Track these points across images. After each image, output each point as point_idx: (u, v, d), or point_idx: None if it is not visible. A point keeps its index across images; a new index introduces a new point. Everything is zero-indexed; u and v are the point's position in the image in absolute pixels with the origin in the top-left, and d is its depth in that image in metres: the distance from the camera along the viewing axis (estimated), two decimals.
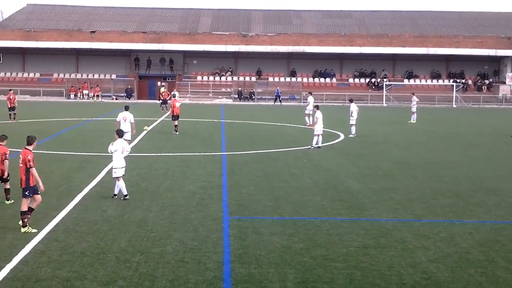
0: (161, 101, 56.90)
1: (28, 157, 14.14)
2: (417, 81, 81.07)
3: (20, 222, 13.96)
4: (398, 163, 25.32)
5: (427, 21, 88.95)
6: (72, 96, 76.29)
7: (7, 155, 16.45)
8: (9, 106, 42.59)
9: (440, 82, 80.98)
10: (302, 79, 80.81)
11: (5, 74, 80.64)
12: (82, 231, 13.95)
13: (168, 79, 78.99)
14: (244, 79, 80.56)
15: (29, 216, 13.99)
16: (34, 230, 13.76)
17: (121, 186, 17.30)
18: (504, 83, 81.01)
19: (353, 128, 35.26)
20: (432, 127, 43.32)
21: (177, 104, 36.04)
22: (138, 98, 77.17)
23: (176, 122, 35.29)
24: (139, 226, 14.45)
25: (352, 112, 35.48)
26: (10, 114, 42.49)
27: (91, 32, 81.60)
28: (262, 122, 44.80)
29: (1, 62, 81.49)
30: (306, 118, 42.22)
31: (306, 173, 22.28)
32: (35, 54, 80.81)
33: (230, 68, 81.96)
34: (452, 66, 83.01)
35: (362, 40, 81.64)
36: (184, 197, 17.81)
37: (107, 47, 78.59)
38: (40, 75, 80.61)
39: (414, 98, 48.55)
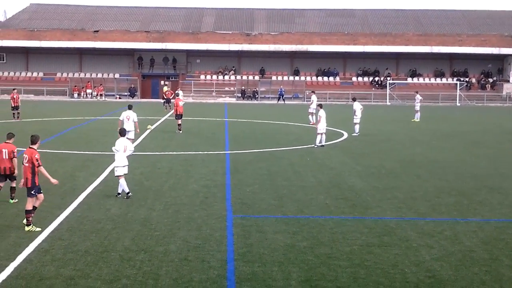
0: (164, 100, 56.90)
1: (36, 156, 14.19)
2: (421, 80, 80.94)
3: (25, 221, 13.98)
4: (402, 161, 25.29)
5: (431, 19, 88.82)
6: (75, 95, 76.36)
7: (15, 153, 16.44)
8: (13, 106, 42.65)
9: (444, 80, 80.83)
10: (305, 78, 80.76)
11: (9, 73, 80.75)
12: (86, 229, 13.96)
13: (172, 78, 79.03)
14: (248, 78, 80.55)
15: (33, 215, 14.01)
16: (38, 229, 13.78)
17: (122, 184, 17.33)
18: (508, 81, 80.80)
19: (357, 127, 35.21)
20: (436, 125, 43.26)
21: (181, 103, 36.04)
22: (142, 97, 77.22)
23: (179, 121, 35.30)
24: (143, 224, 14.46)
25: (355, 111, 35.43)
26: (14, 114, 42.54)
27: (95, 31, 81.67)
28: (265, 121, 44.79)
29: (5, 61, 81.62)
30: (310, 117, 42.20)
31: (310, 172, 22.27)
32: (39, 53, 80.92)
33: (233, 67, 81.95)
34: (456, 65, 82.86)
35: (365, 39, 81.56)
36: (187, 195, 17.81)
37: (111, 47, 78.68)
38: (44, 75, 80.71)
39: (418, 97, 48.47)
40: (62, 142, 30.12)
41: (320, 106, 31.48)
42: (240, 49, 79.91)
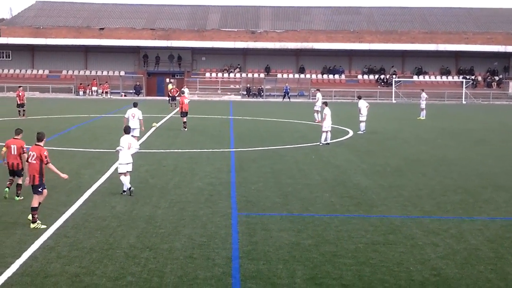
0: (169, 98, 56.94)
1: (45, 153, 14.26)
2: (427, 78, 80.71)
3: (30, 218, 14.00)
4: (407, 159, 25.24)
5: (437, 17, 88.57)
6: (81, 93, 76.46)
7: (24, 149, 16.44)
8: (19, 103, 42.73)
9: (450, 78, 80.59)
10: (310, 75, 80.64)
11: (15, 71, 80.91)
12: (91, 227, 13.99)
13: (177, 76, 79.05)
14: (253, 75, 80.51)
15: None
16: (44, 226, 13.80)
17: (124, 181, 17.38)
18: None
19: (362, 125, 35.16)
20: (442, 123, 43.16)
21: (186, 101, 36.07)
22: (147, 95, 77.25)
23: (184, 119, 35.32)
24: (148, 222, 14.47)
25: (360, 109, 35.37)
26: (19, 111, 42.62)
27: (100, 29, 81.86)
28: (270, 118, 44.77)
29: (11, 59, 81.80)
30: (315, 114, 42.13)
31: (315, 170, 22.25)
32: (44, 51, 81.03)
33: (238, 64, 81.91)
34: (462, 63, 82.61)
35: (371, 37, 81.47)
36: (192, 193, 17.82)
37: (116, 44, 78.77)
38: (49, 72, 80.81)
39: (423, 95, 48.37)
40: (67, 140, 30.16)
41: (325, 104, 31.44)
42: (246, 47, 79.88)
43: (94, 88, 77.00)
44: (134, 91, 76.41)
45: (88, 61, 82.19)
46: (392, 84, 75.92)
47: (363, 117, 35.20)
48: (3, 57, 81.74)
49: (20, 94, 42.92)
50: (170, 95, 56.64)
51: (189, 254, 12.15)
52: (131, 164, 17.71)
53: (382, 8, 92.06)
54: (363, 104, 35.53)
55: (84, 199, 16.76)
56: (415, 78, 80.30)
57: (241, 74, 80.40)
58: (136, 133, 27.25)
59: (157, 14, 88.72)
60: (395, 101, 73.69)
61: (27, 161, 14.41)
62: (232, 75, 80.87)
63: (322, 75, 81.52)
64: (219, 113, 49.67)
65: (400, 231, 14.11)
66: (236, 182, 19.67)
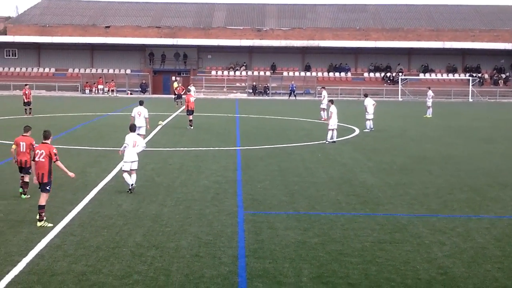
0: (175, 96, 56.98)
1: (54, 151, 14.33)
2: (433, 75, 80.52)
3: (37, 216, 14.02)
4: (414, 157, 25.19)
5: (443, 15, 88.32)
6: (87, 91, 76.58)
7: (33, 146, 16.47)
8: (25, 101, 42.83)
9: (456, 76, 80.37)
10: (316, 73, 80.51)
11: (21, 69, 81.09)
12: (97, 225, 14.00)
13: (183, 74, 79.06)
14: (259, 73, 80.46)
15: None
16: (50, 225, 13.82)
17: (126, 179, 17.43)
18: None
19: (368, 123, 35.09)
20: (448, 121, 43.07)
21: (192, 99, 36.08)
22: (153, 93, 77.31)
23: (190, 117, 35.32)
24: (154, 220, 14.48)
25: (366, 107, 35.30)
26: (25, 109, 42.73)
27: (106, 27, 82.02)
28: (276, 116, 44.74)
29: (17, 57, 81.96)
30: (322, 112, 42.01)
31: (321, 168, 22.23)
32: (50, 49, 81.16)
33: (244, 62, 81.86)
34: (468, 60, 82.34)
35: (377, 34, 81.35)
36: (198, 191, 17.82)
37: (122, 42, 78.85)
38: (55, 70, 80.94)
39: (430, 93, 48.24)
40: (73, 138, 30.22)
41: (331, 101, 31.40)
42: (251, 45, 79.86)
43: (100, 86, 77.08)
44: (140, 89, 76.48)
45: (94, 59, 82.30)
46: (398, 82, 75.73)
47: (369, 115, 35.13)
48: (9, 55, 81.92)
49: (27, 92, 43.01)
50: (176, 93, 56.68)
51: (196, 252, 12.15)
52: (136, 162, 17.71)
53: (388, 5, 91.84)
54: (369, 102, 35.46)
55: (91, 198, 16.79)
56: (421, 76, 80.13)
57: (246, 72, 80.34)
58: (142, 131, 27.26)
59: (163, 12, 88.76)
60: (401, 99, 73.53)
61: (33, 160, 14.43)
62: (238, 73, 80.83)
63: (328, 73, 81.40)
64: (225, 111, 49.68)
65: (406, 229, 14.07)
66: (242, 180, 19.66)
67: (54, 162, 14.28)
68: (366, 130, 34.68)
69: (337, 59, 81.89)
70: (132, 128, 18.33)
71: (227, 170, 21.47)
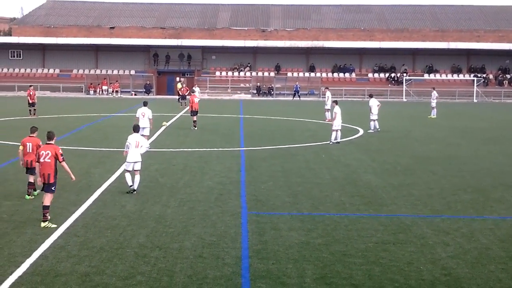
0: (179, 96, 57.04)
1: (60, 152, 14.42)
2: (438, 76, 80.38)
3: (42, 217, 14.05)
4: (418, 158, 25.15)
5: (448, 15, 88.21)
6: (91, 91, 76.70)
7: (40, 147, 16.49)
8: (30, 102, 42.90)
9: (461, 76, 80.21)
10: (321, 74, 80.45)
11: (25, 70, 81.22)
12: (101, 226, 14.01)
13: (187, 74, 79.10)
14: (263, 74, 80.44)
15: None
16: (54, 226, 13.84)
17: (127, 179, 17.47)
18: None
19: (372, 124, 35.06)
20: (453, 122, 43.00)
21: (196, 100, 36.09)
22: (157, 94, 77.36)
23: (194, 118, 35.33)
24: (158, 221, 14.49)
25: (371, 108, 35.25)
26: (30, 110, 42.79)
27: (110, 28, 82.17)
28: (280, 117, 44.72)
29: (21, 58, 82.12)
30: (326, 113, 41.88)
31: (325, 169, 22.21)
32: (55, 50, 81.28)
33: (248, 63, 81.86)
34: (473, 61, 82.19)
35: (381, 35, 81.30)
36: (202, 192, 17.83)
37: (126, 43, 78.98)
38: (60, 71, 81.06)
39: (434, 93, 48.17)
40: (77, 139, 30.26)
41: (335, 102, 31.37)
42: (256, 45, 79.84)
43: (104, 87, 77.18)
44: (144, 90, 76.53)
45: (99, 60, 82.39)
46: (403, 83, 75.61)
47: (373, 116, 35.08)
48: (14, 56, 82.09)
49: (31, 93, 43.07)
50: (180, 94, 56.72)
51: (199, 253, 12.15)
52: (139, 163, 17.71)
53: (393, 6, 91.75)
54: (374, 103, 35.41)
55: (94, 198, 16.81)
56: (426, 76, 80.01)
57: (251, 73, 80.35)
58: (146, 132, 27.30)
59: (167, 12, 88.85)
60: (405, 100, 73.42)
61: (37, 161, 14.44)
62: (242, 73, 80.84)
63: (333, 73, 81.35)
64: (229, 112, 49.69)
65: (410, 230, 14.05)
66: (246, 181, 19.66)
67: (60, 162, 14.34)
68: (371, 131, 34.64)
69: (342, 60, 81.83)
70: (135, 128, 18.34)
71: (231, 171, 21.47)
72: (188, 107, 39.68)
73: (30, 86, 45.62)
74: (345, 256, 12.14)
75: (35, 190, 16.71)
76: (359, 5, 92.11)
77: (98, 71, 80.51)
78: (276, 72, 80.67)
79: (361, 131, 34.80)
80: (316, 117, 44.18)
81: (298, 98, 72.74)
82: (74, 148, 26.37)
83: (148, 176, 19.74)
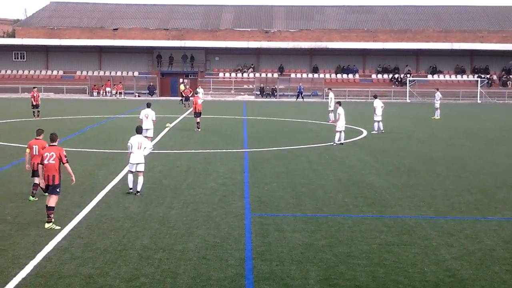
0: (183, 98, 57.09)
1: (64, 153, 14.51)
2: (441, 77, 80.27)
3: (46, 218, 14.06)
4: (422, 159, 25.11)
5: (451, 16, 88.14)
6: (95, 93, 76.79)
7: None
8: (33, 104, 42.94)
9: (465, 77, 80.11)
10: (324, 75, 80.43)
11: (29, 71, 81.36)
12: (104, 228, 14.02)
13: (190, 76, 79.16)
14: (266, 75, 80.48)
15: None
16: (58, 227, 13.85)
17: (129, 180, 17.54)
18: None
19: (376, 125, 35.02)
20: (456, 123, 42.94)
21: (199, 101, 36.10)
22: (161, 95, 77.44)
23: (198, 119, 35.34)
24: (161, 223, 14.49)
25: (375, 109, 35.20)
26: (34, 112, 42.84)
27: (114, 29, 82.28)
28: (284, 118, 44.70)
29: (25, 60, 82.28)
30: (330, 114, 41.81)
31: (329, 170, 22.19)
32: (59, 51, 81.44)
33: (252, 64, 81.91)
34: (477, 61, 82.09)
35: (385, 36, 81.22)
36: (206, 194, 17.82)
37: (130, 44, 79.09)
38: (64, 73, 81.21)
39: (438, 94, 48.08)
40: (81, 140, 30.28)
41: (339, 103, 31.33)
42: (259, 47, 79.87)
43: (108, 89, 77.27)
44: (148, 91, 76.62)
45: (102, 61, 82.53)
46: (406, 83, 75.56)
47: (377, 117, 35.03)
48: (17, 58, 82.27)
49: (35, 95, 43.12)
50: (184, 95, 56.79)
51: (203, 255, 12.15)
52: (142, 165, 17.72)
53: (396, 7, 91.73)
54: (378, 104, 35.37)
55: (98, 200, 16.81)
56: (429, 77, 79.91)
57: (254, 74, 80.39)
58: (150, 133, 27.32)
59: (170, 14, 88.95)
60: (409, 101, 73.36)
61: (41, 163, 14.45)
62: (245, 75, 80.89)
63: (336, 74, 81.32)
64: (232, 113, 49.69)
65: (414, 231, 14.03)
66: (250, 182, 19.65)
67: (63, 164, 14.38)
68: (374, 132, 34.60)
69: (345, 61, 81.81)
70: (138, 130, 18.34)
71: (235, 172, 21.46)
72: (191, 109, 39.68)
73: (34, 87, 45.68)
74: (349, 257, 12.12)
75: (33, 195, 16.66)
76: (362, 6, 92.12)
77: (101, 73, 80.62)
78: (280, 73, 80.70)
79: (365, 132, 34.77)
80: (319, 118, 44.16)
81: (302, 99, 72.73)
82: (78, 150, 26.38)
83: (151, 178, 19.75)
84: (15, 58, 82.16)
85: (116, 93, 76.53)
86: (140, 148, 17.65)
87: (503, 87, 78.90)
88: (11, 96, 71.97)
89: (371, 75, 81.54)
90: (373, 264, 11.75)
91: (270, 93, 76.85)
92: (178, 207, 16.09)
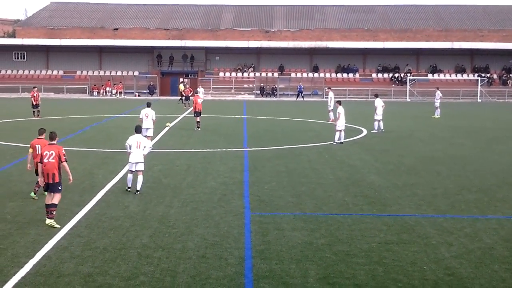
0: (183, 97, 57.10)
1: (63, 151, 14.55)
2: (441, 76, 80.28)
3: (47, 215, 14.08)
4: (422, 158, 25.11)
5: (451, 15, 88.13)
6: (95, 93, 76.81)
7: None
8: (33, 104, 42.95)
9: (465, 76, 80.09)
10: (324, 74, 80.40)
11: (29, 71, 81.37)
12: (104, 226, 14.02)
13: (190, 75, 79.17)
14: (266, 75, 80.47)
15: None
16: (58, 226, 13.86)
17: (128, 179, 17.60)
18: None
19: (376, 124, 35.02)
20: (456, 122, 42.93)
21: (199, 101, 36.10)
22: (161, 95, 77.44)
23: (198, 119, 35.34)
24: (161, 222, 14.49)
25: (376, 108, 35.19)
26: (34, 111, 42.84)
27: (114, 29, 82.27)
28: (284, 118, 44.70)
29: (25, 59, 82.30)
30: (330, 114, 41.78)
31: (329, 169, 22.18)
32: (59, 51, 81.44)
33: (252, 64, 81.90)
34: (477, 60, 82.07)
35: (385, 35, 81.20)
36: (205, 193, 17.82)
37: (130, 44, 79.10)
38: (64, 73, 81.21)
39: (438, 93, 48.09)
40: (81, 140, 30.27)
41: (339, 102, 31.33)
42: (259, 46, 79.87)
43: (108, 89, 77.27)
44: (148, 91, 76.63)
45: (102, 61, 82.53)
46: (406, 83, 75.55)
47: (378, 116, 35.03)
48: (18, 58, 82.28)
49: (35, 94, 43.13)
50: (184, 94, 56.82)
51: (202, 253, 12.15)
52: (141, 164, 17.71)
53: (397, 6, 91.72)
54: (379, 103, 35.36)
55: (98, 199, 16.82)
56: (429, 76, 79.93)
57: (254, 74, 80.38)
58: (150, 133, 27.33)
59: (171, 14, 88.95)
60: (409, 100, 73.35)
61: (40, 161, 14.49)
62: (245, 74, 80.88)
63: (336, 74, 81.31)
64: (232, 112, 49.69)
65: (414, 230, 14.02)
66: (249, 181, 19.65)
67: (62, 162, 14.39)
68: (374, 131, 34.59)
69: (345, 60, 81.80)
70: (137, 129, 18.32)
71: (234, 171, 21.45)
72: (191, 108, 39.68)
73: (34, 87, 45.66)
74: (348, 256, 12.12)
75: (35, 193, 16.70)
76: (362, 5, 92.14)
77: (102, 73, 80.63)
78: (280, 72, 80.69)
79: (365, 131, 34.76)
80: (319, 117, 44.15)
81: (302, 99, 72.72)
82: (78, 149, 26.38)
83: (151, 177, 19.75)
84: (15, 58, 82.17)
85: (116, 92, 76.54)
86: (139, 148, 17.64)
87: (503, 86, 78.89)
88: (11, 96, 72.01)
89: (371, 74, 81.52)
90: (373, 262, 11.75)
91: (270, 92, 76.85)
92: (178, 206, 16.09)
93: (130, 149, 17.63)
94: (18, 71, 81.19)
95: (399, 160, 24.51)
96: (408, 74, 78.70)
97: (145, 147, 17.86)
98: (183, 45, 78.69)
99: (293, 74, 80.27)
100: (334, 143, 29.25)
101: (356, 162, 23.87)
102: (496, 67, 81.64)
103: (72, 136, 31.46)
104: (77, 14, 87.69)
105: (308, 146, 28.56)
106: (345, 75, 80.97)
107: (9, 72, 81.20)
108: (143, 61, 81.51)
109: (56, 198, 14.28)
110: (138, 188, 17.49)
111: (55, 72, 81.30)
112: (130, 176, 17.72)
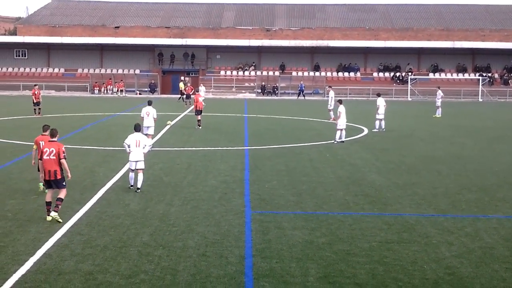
0: (183, 95, 57.09)
1: (62, 149, 14.57)
2: (443, 75, 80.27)
3: (54, 208, 14.13)
4: (423, 157, 25.09)
5: (453, 14, 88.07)
6: (96, 91, 76.84)
7: None
8: (34, 101, 42.98)
9: (466, 76, 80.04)
10: (325, 73, 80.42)
11: (31, 69, 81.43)
12: (105, 224, 14.02)
13: (192, 74, 79.18)
14: (268, 73, 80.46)
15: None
16: (61, 220, 13.92)
17: (130, 177, 17.64)
18: None
19: (377, 123, 35.01)
20: (458, 121, 42.91)
21: (200, 99, 36.10)
22: (162, 93, 77.46)
23: (199, 117, 35.33)
24: (161, 220, 14.49)
25: (378, 107, 35.18)
26: (35, 109, 42.89)
27: (115, 27, 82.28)
28: (285, 116, 44.70)
29: (27, 57, 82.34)
30: (331, 112, 41.76)
31: (329, 168, 22.18)
32: (60, 49, 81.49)
33: (253, 62, 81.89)
34: (478, 60, 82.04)
35: (386, 34, 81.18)
36: (206, 191, 17.81)
37: (131, 42, 79.13)
38: (65, 71, 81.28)
39: (439, 93, 48.07)
40: (82, 138, 30.28)
41: (340, 101, 31.33)
42: (260, 45, 79.88)
43: (109, 87, 77.29)
44: (149, 89, 76.65)
45: (104, 59, 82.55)
46: (407, 82, 75.54)
47: (379, 116, 35.02)
48: (19, 56, 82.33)
49: (36, 92, 43.15)
50: (184, 93, 56.84)
51: (202, 252, 12.14)
52: (142, 162, 17.69)
53: (398, 5, 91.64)
54: (381, 102, 35.36)
55: (98, 197, 16.82)
56: (431, 75, 79.92)
57: (255, 72, 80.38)
58: (151, 131, 27.29)
59: (172, 12, 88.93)
60: (410, 99, 73.34)
61: (40, 158, 14.52)
62: (246, 73, 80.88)
63: (337, 72, 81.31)
64: (233, 111, 49.69)
65: (414, 229, 14.02)
66: (250, 180, 19.64)
67: (60, 159, 14.38)
68: (375, 130, 34.58)
69: (347, 59, 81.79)
70: (136, 128, 18.31)
71: (235, 170, 21.45)
72: (192, 106, 39.67)
73: (35, 85, 45.71)
74: (349, 255, 12.11)
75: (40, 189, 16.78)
76: (364, 4, 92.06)
77: (103, 71, 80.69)
78: (281, 71, 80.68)
79: (366, 130, 34.75)
80: (320, 116, 44.14)
81: (303, 97, 72.73)
82: (79, 147, 26.40)
83: (152, 175, 19.75)
84: (16, 56, 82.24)
85: (117, 90, 76.56)
86: (138, 146, 17.63)
87: (505, 85, 78.88)
88: (12, 94, 72.00)
89: (372, 73, 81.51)
90: (373, 261, 11.74)
91: (271, 91, 76.86)
92: (178, 205, 16.09)
93: (128, 148, 17.63)
94: (19, 69, 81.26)
95: (400, 159, 24.50)
96: (409, 74, 78.68)
97: (145, 145, 17.86)
98: (184, 43, 78.70)
99: (294, 73, 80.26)
100: (335, 142, 29.24)
101: (356, 161, 23.87)
102: (497, 66, 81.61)
103: (73, 134, 31.47)
104: (78, 12, 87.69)
105: (309, 145, 28.55)
106: (346, 74, 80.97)
107: (10, 70, 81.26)
108: (144, 59, 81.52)
109: (62, 193, 14.41)
110: (139, 186, 17.49)
111: (56, 70, 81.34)
112: (131, 174, 17.74)
